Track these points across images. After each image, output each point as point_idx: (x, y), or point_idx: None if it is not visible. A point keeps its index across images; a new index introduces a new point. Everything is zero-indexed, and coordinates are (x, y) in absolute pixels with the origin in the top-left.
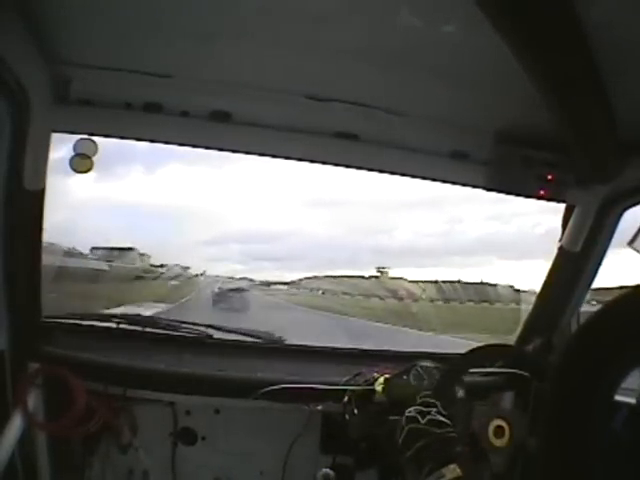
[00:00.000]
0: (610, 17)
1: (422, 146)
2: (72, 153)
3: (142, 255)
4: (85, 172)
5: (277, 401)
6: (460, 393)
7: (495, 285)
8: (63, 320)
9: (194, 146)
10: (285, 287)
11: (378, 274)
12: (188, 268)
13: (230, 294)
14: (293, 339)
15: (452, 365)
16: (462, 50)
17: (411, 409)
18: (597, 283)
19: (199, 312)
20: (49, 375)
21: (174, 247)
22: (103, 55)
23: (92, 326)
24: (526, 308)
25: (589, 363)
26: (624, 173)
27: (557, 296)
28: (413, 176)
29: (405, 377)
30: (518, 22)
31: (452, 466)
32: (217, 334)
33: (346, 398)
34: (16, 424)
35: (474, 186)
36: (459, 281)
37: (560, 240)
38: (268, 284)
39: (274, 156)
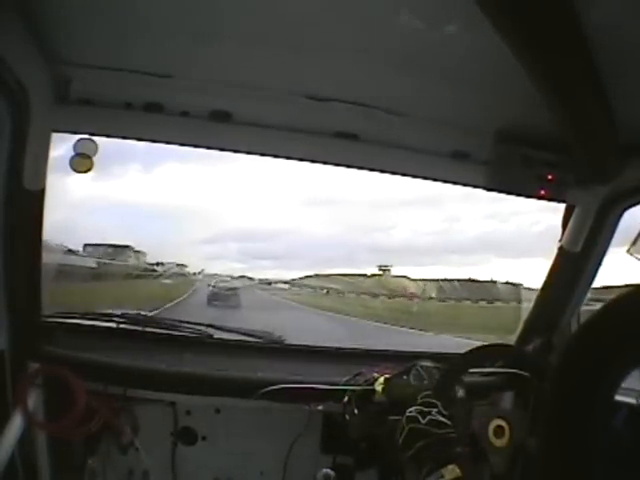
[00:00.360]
0: (610, 17)
1: (422, 146)
2: (72, 153)
3: (137, 253)
4: (85, 172)
5: (277, 401)
6: (460, 393)
7: (506, 284)
8: (63, 320)
9: (194, 146)
10: (287, 286)
11: (380, 272)
12: (185, 266)
13: (225, 293)
14: (303, 343)
15: (452, 365)
16: (462, 50)
17: (412, 409)
18: (597, 283)
19: (194, 312)
20: (49, 375)
21: (172, 245)
22: (103, 55)
23: (92, 326)
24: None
25: (589, 363)
26: (624, 173)
27: (557, 296)
28: (413, 176)
29: (405, 377)
30: (518, 22)
31: (451, 467)
32: (218, 334)
33: (346, 398)
34: (16, 424)
35: (474, 186)
36: (470, 279)
37: (560, 240)
38: (269, 283)
39: (274, 156)
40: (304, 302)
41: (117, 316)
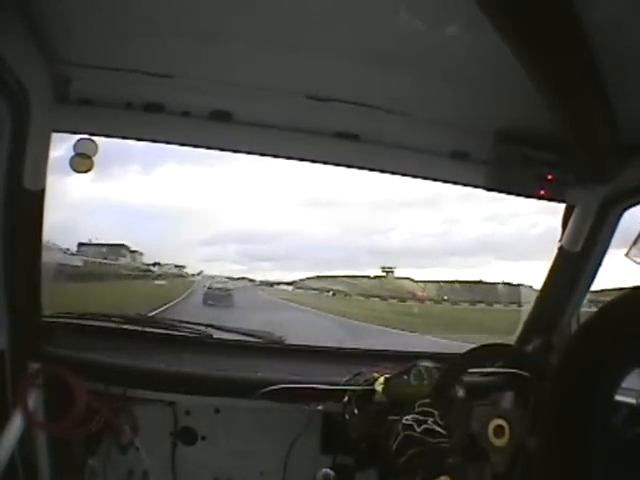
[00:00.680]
0: (610, 17)
1: (422, 146)
2: (72, 153)
3: (134, 253)
4: (85, 172)
5: (277, 401)
6: (460, 393)
7: (518, 285)
8: (63, 320)
9: (195, 146)
10: (290, 287)
11: (384, 274)
12: (184, 267)
13: (219, 293)
14: (303, 343)
15: (452, 365)
16: (462, 50)
17: (409, 417)
18: (597, 286)
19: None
20: (49, 375)
21: (171, 247)
22: (103, 55)
23: (92, 326)
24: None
25: (589, 363)
26: (624, 173)
27: (557, 296)
28: (413, 176)
29: (405, 377)
30: (518, 22)
31: (443, 478)
32: (217, 334)
33: (346, 398)
34: (16, 424)
35: (474, 186)
36: (480, 281)
37: (560, 240)
38: (271, 284)
39: (274, 156)
40: (313, 305)
41: (117, 316)
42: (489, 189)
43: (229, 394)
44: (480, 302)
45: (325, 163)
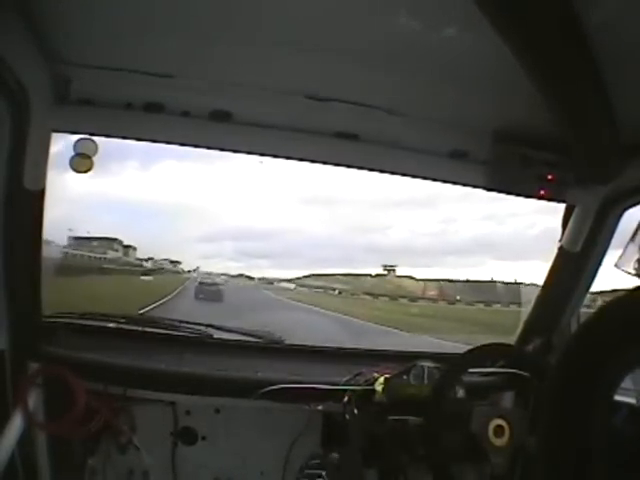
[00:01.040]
0: (610, 17)
1: (422, 146)
2: (72, 153)
3: (127, 247)
4: (85, 172)
5: (277, 401)
6: (460, 393)
7: (530, 285)
8: (63, 320)
9: (195, 146)
10: (292, 285)
11: (385, 272)
12: (179, 263)
13: (208, 288)
14: (303, 343)
15: (452, 365)
16: (462, 50)
17: None
18: (596, 287)
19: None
20: (49, 375)
21: (167, 243)
22: (103, 55)
23: (92, 326)
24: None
25: (589, 363)
26: (624, 173)
27: (557, 296)
28: (413, 176)
29: (405, 377)
30: (518, 22)
31: None
32: (217, 334)
33: (346, 398)
34: (16, 424)
35: (474, 186)
36: (492, 280)
37: (560, 240)
38: (271, 282)
39: (274, 156)
40: (320, 305)
41: (117, 316)
42: (489, 189)
43: (229, 394)
44: (497, 302)
45: (325, 163)
